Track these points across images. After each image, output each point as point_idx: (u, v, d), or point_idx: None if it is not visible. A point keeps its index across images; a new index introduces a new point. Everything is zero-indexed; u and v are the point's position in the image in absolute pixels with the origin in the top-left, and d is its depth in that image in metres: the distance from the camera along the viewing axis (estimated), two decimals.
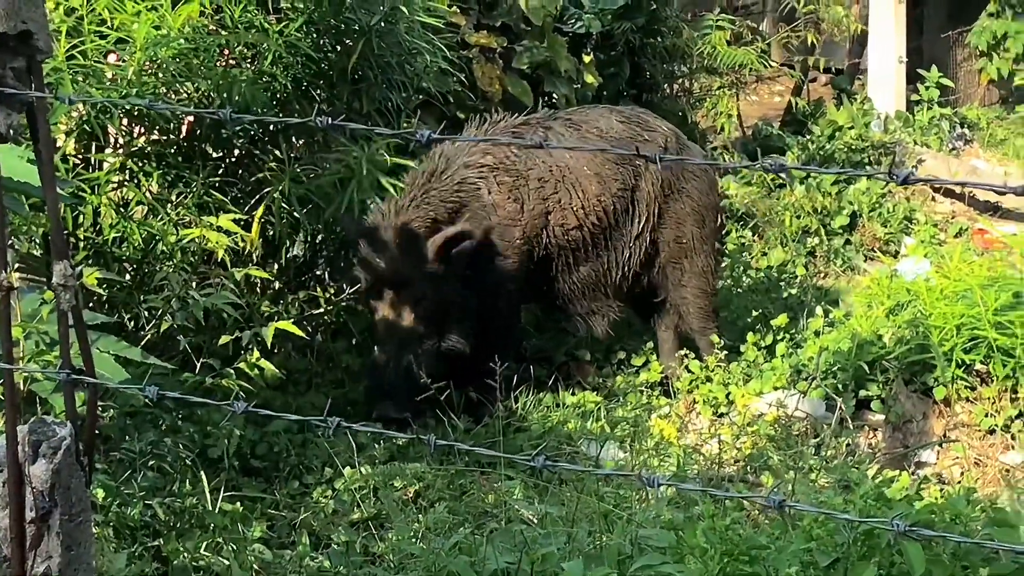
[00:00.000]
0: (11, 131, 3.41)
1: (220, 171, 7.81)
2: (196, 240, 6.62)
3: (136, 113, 7.46)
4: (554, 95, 10.17)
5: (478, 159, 7.99)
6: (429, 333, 7.72)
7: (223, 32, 7.62)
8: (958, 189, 11.67)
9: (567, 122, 8.24)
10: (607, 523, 5.20)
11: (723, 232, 10.68)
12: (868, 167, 11.24)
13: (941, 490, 6.81)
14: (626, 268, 8.38)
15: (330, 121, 2.83)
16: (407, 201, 7.76)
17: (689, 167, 8.47)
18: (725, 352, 8.46)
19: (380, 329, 7.69)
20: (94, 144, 7.46)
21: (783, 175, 10.91)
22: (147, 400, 5.94)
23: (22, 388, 4.84)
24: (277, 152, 7.89)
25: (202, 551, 5.39)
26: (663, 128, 8.52)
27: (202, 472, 6.08)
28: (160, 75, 7.35)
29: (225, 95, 7.36)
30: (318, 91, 8.08)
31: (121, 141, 7.65)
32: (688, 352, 8.50)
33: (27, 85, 3.35)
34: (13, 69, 3.33)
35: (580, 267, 8.26)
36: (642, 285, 8.54)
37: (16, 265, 6.49)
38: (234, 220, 7.05)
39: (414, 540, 5.71)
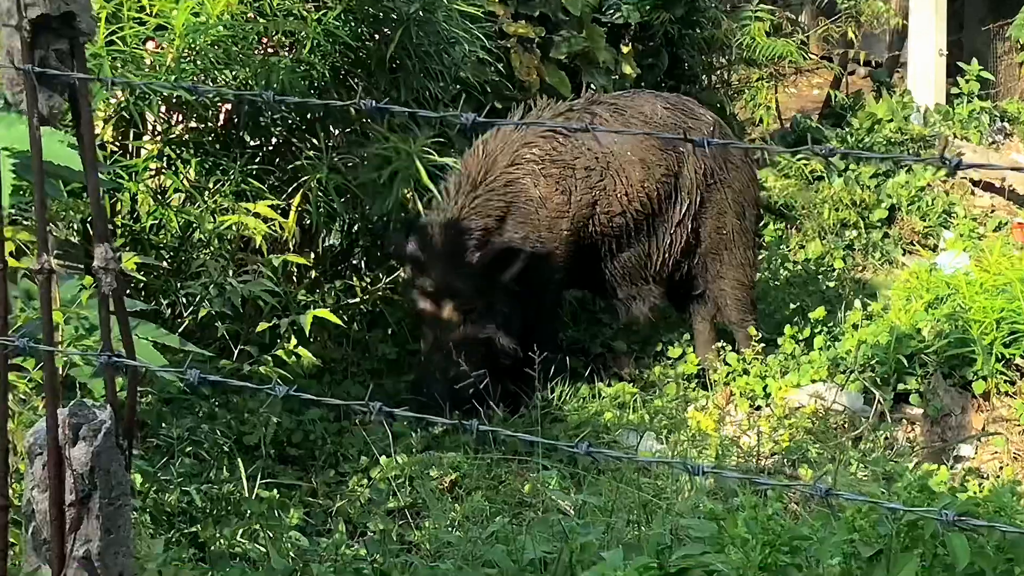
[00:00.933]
0: (53, 114, 3.40)
1: (257, 159, 7.82)
2: (234, 227, 6.62)
3: (174, 101, 7.47)
4: (592, 85, 10.13)
5: (524, 154, 7.95)
6: (480, 341, 7.71)
7: (261, 20, 7.61)
8: (998, 183, 11.61)
9: (612, 107, 8.22)
10: (646, 513, 5.18)
11: (762, 224, 10.67)
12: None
13: (980, 484, 6.77)
14: (667, 254, 8.34)
15: (374, 104, 2.81)
16: (456, 211, 7.73)
17: (732, 157, 8.43)
18: (763, 345, 8.42)
19: (433, 344, 7.69)
20: (132, 131, 7.47)
21: (827, 163, 10.86)
22: (184, 387, 5.97)
23: (61, 372, 4.85)
24: (315, 141, 7.89)
25: (239, 538, 5.40)
26: (708, 117, 8.49)
27: (239, 459, 6.09)
28: (198, 62, 7.34)
29: (263, 83, 7.35)
30: (356, 80, 8.07)
31: (159, 128, 7.65)
32: (725, 344, 8.46)
33: (69, 67, 3.34)
34: (56, 51, 3.32)
35: (623, 252, 8.23)
36: (681, 273, 8.49)
37: (55, 251, 6.50)
38: (271, 207, 7.05)
39: (451, 529, 5.70)
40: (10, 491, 3.58)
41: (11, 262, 5.30)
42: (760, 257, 9.71)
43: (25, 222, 6.19)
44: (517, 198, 7.87)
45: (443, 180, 7.80)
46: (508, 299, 7.77)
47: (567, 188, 7.96)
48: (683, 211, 8.31)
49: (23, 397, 5.04)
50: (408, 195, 7.66)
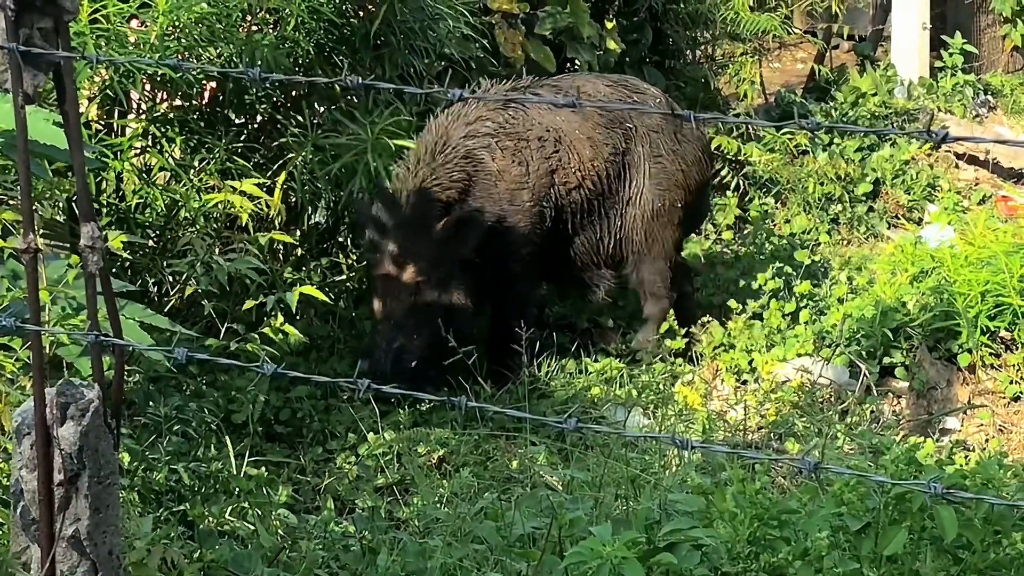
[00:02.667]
0: (37, 92, 3.40)
1: (243, 137, 7.81)
2: (220, 206, 6.62)
3: (159, 78, 7.45)
4: (576, 61, 10.11)
5: (477, 128, 7.90)
6: (434, 312, 7.55)
7: None
8: (982, 156, 11.61)
9: (554, 88, 8.12)
10: (634, 488, 5.19)
11: (748, 199, 10.67)
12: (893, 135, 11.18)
13: (966, 457, 6.79)
14: (618, 235, 8.28)
15: (360, 81, 2.80)
16: (416, 183, 7.65)
17: (684, 130, 8.35)
18: (746, 316, 8.43)
19: (387, 308, 7.60)
20: (117, 110, 7.45)
21: (812, 137, 10.85)
22: (171, 366, 5.97)
23: (48, 352, 4.84)
24: (299, 118, 7.88)
25: (227, 516, 5.40)
26: (652, 91, 8.42)
27: (227, 437, 6.09)
28: (182, 40, 7.32)
29: (247, 60, 7.33)
30: (340, 57, 8.05)
31: (144, 107, 7.64)
32: (711, 319, 8.46)
33: (54, 46, 3.34)
34: (40, 29, 3.32)
35: (579, 235, 8.17)
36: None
37: (40, 230, 6.49)
38: (257, 186, 7.04)
39: (439, 505, 5.71)
40: None
41: None
42: (745, 232, 9.72)
43: (10, 202, 6.17)
44: (476, 171, 7.82)
45: (404, 156, 7.77)
46: (471, 272, 7.69)
47: (523, 159, 7.92)
48: (633, 189, 8.26)
49: (10, 377, 5.04)
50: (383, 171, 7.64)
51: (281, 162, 7.65)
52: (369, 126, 7.54)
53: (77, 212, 3.73)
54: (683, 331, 8.35)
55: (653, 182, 8.27)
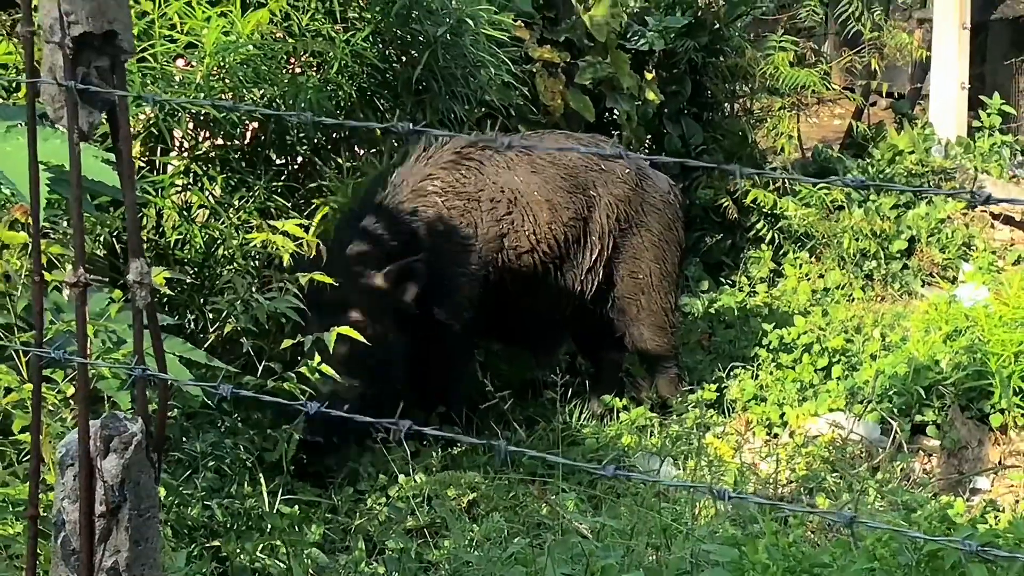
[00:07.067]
0: (92, 130, 3.45)
1: (282, 177, 7.87)
2: (260, 244, 6.67)
3: (202, 118, 7.52)
4: (615, 111, 10.18)
5: (426, 186, 7.61)
6: (374, 356, 7.09)
7: (290, 39, 7.68)
8: (1018, 217, 11.61)
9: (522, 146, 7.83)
10: (666, 537, 5.20)
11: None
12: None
13: (995, 517, 6.78)
14: (577, 301, 8.10)
15: (411, 127, 2.85)
16: (359, 232, 7.40)
17: (651, 199, 8.23)
18: (779, 369, 8.47)
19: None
20: (159, 147, 7.52)
21: (848, 193, 10.88)
22: (208, 402, 6.01)
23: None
24: (338, 160, 7.94)
25: (260, 553, 5.43)
26: (620, 162, 8.11)
27: (260, 474, 6.12)
28: (228, 80, 7.40)
29: (291, 101, 7.41)
30: (382, 101, 8.13)
31: (186, 145, 7.71)
32: (745, 366, 8.49)
33: (110, 84, 3.39)
34: (97, 68, 3.37)
35: (532, 296, 7.92)
36: (595, 319, 8.29)
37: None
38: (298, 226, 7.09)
39: (469, 549, 5.73)
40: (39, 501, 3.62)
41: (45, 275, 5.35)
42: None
43: (53, 235, 6.23)
44: (420, 228, 7.53)
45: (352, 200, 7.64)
46: (405, 329, 7.39)
47: (472, 220, 7.65)
48: (594, 257, 8.08)
49: (51, 409, 5.08)
50: None
51: (319, 203, 7.71)
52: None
53: (128, 247, 3.77)
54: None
55: (617, 251, 8.16)
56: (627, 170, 8.16)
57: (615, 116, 10.22)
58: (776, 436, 8.04)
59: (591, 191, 8.05)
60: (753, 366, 8.73)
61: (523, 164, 7.83)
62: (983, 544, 2.83)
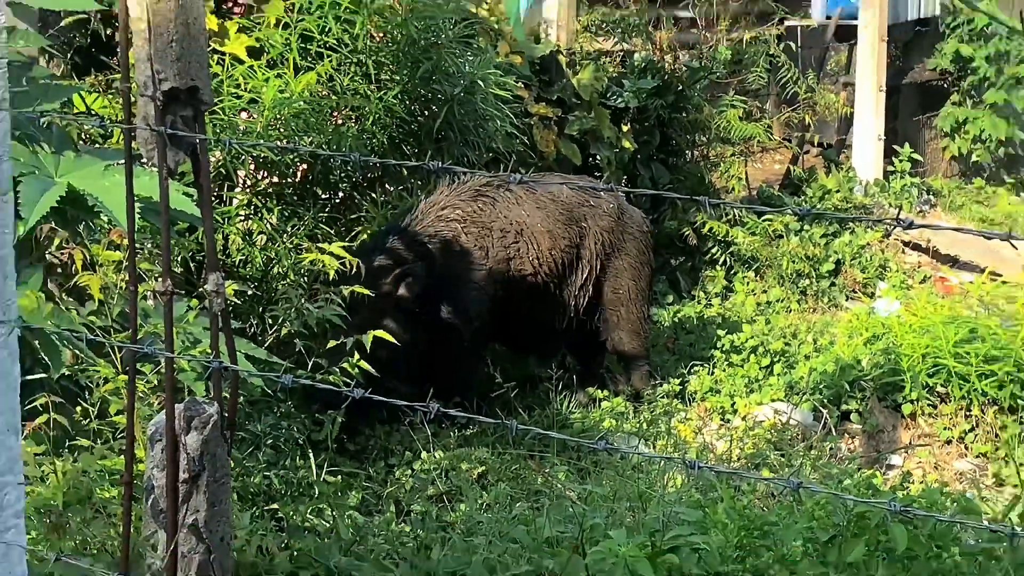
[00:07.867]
0: (177, 168, 3.46)
1: (327, 209, 7.87)
2: (311, 263, 6.69)
3: (261, 160, 7.53)
4: (598, 157, 10.19)
5: (448, 214, 7.63)
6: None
7: (334, 96, 7.68)
8: (924, 244, 11.62)
9: (526, 185, 7.88)
10: (642, 501, 5.20)
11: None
12: (852, 224, 11.20)
13: (907, 487, 6.78)
14: (572, 314, 8.12)
15: (440, 164, 2.85)
16: (386, 245, 7.38)
17: (630, 228, 8.26)
18: (730, 367, 8.47)
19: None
20: (226, 184, 7.53)
21: (786, 224, 10.86)
22: (267, 391, 6.01)
23: None
24: (373, 195, 7.95)
25: (310, 514, 5.42)
26: (606, 195, 8.16)
27: (310, 451, 6.12)
28: (282, 129, 7.42)
29: (335, 147, 7.42)
30: (408, 147, 8.13)
31: (248, 182, 7.72)
32: (703, 364, 8.49)
33: (192, 130, 3.40)
34: (182, 117, 3.38)
35: (535, 310, 7.95)
36: (587, 328, 8.28)
37: None
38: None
39: (480, 511, 5.72)
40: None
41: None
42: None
43: (140, 254, 6.24)
44: (438, 248, 7.52)
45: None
46: (413, 328, 7.29)
47: (484, 245, 7.66)
48: (585, 276, 8.10)
49: (141, 395, 5.09)
50: None
51: (359, 230, 7.73)
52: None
53: (206, 263, 3.77)
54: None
55: (603, 271, 8.17)
56: (611, 205, 8.21)
57: (598, 161, 10.22)
58: (729, 421, 8.04)
59: (583, 223, 8.09)
60: (709, 364, 8.72)
61: (529, 200, 7.87)
62: (905, 505, 2.84)
